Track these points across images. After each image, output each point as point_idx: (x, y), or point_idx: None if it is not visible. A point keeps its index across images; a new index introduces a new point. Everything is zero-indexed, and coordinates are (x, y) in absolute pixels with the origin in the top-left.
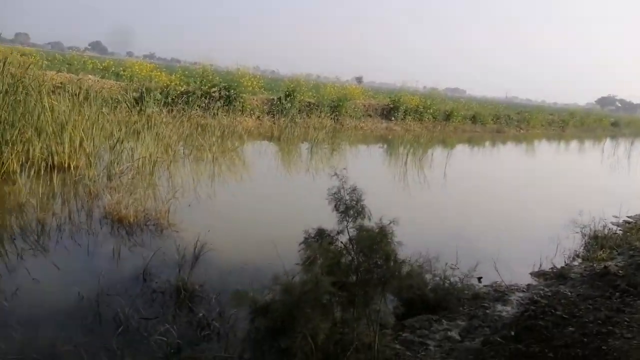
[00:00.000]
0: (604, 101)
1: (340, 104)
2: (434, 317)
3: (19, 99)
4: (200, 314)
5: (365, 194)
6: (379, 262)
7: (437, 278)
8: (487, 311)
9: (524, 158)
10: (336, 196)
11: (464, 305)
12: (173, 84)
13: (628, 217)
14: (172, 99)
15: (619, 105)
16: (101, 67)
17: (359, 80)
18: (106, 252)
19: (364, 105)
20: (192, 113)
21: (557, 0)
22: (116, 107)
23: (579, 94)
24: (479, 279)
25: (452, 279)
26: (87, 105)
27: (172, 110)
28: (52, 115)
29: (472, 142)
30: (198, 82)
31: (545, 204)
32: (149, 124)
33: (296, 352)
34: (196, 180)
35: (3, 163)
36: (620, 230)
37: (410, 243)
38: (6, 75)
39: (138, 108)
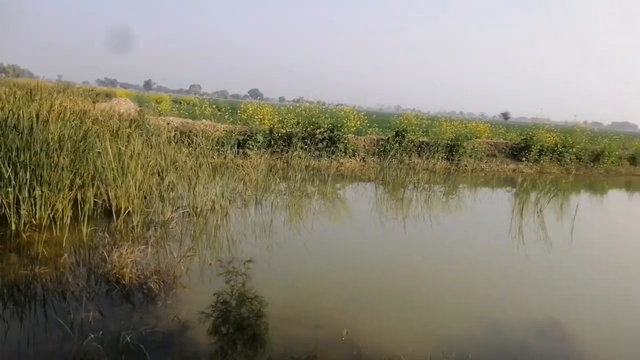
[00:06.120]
0: None
1: (458, 143)
2: None
3: (79, 146)
4: None
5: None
6: None
7: None
8: None
9: None
10: (220, 307)
11: None
12: (276, 126)
13: None
14: (275, 140)
15: None
16: (222, 111)
17: (505, 116)
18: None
19: (489, 145)
20: (294, 154)
21: None
22: (219, 149)
23: None
24: None
25: None
26: (170, 148)
27: (273, 152)
28: (115, 160)
29: (629, 187)
30: (302, 123)
31: None
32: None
33: None
34: (260, 228)
35: (54, 208)
36: None
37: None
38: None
39: (241, 150)
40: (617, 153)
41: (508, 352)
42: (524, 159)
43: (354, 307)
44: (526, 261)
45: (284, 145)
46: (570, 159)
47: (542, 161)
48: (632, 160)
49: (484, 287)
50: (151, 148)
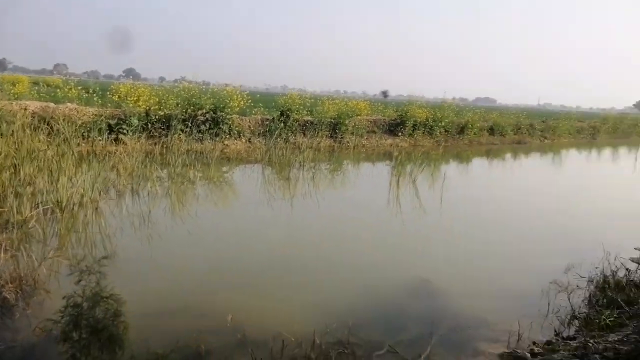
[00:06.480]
0: None
1: (340, 121)
2: None
3: None
4: None
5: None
6: None
7: None
8: None
9: (543, 172)
10: (71, 312)
11: None
12: (152, 108)
13: None
14: (152, 124)
15: None
16: (90, 93)
17: (384, 94)
18: None
19: (369, 122)
20: (174, 138)
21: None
22: (87, 135)
23: (618, 98)
24: None
25: None
26: (26, 137)
27: (150, 137)
28: None
29: (488, 155)
30: (182, 105)
31: (552, 234)
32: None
33: None
34: (138, 219)
35: None
36: None
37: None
38: None
39: (114, 136)
40: (478, 125)
41: (384, 313)
42: (400, 133)
43: (240, 292)
44: (402, 228)
45: (163, 129)
46: (439, 132)
47: (415, 135)
48: (491, 130)
49: (364, 257)
50: (1, 137)
